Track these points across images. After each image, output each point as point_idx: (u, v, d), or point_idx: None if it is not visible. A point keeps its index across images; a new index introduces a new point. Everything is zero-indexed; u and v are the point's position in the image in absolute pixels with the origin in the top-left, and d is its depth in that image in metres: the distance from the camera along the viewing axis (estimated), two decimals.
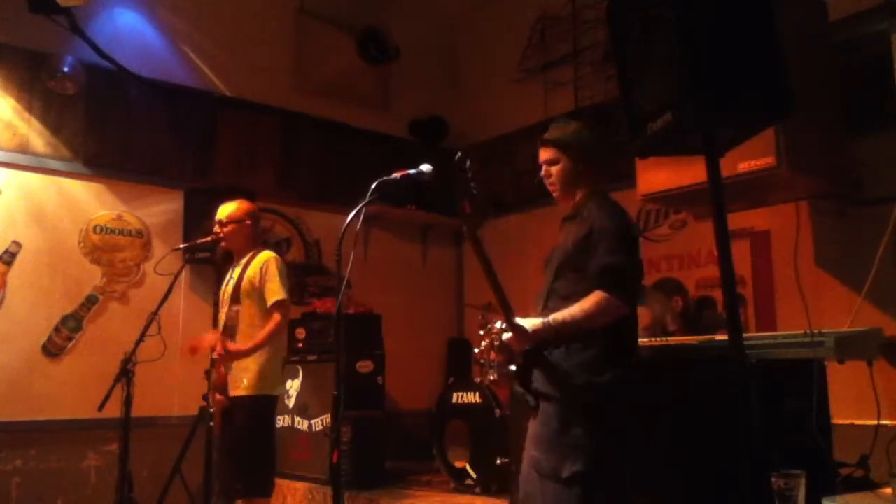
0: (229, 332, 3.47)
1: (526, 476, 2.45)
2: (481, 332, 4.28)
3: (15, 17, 4.24)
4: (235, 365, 3.43)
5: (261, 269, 3.50)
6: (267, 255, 3.56)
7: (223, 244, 3.62)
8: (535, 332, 2.38)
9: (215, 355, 3.36)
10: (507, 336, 2.43)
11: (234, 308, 3.50)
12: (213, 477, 3.57)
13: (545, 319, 2.37)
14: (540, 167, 2.64)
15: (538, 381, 2.42)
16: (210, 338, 3.50)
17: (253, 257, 3.57)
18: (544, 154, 2.62)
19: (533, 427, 2.45)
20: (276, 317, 3.44)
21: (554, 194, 2.65)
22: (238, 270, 3.55)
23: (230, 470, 3.39)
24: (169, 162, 4.99)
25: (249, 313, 3.48)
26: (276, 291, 3.47)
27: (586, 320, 2.33)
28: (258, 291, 3.48)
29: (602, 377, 2.35)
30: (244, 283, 3.49)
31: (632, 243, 2.45)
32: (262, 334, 3.40)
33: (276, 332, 3.45)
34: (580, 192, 2.61)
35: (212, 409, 3.47)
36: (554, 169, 2.60)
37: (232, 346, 3.35)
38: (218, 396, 3.39)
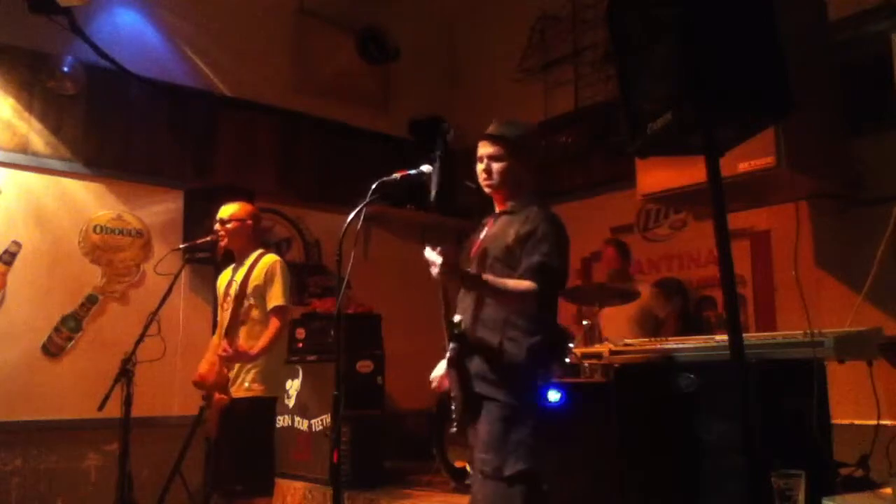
0: (234, 329, 3.48)
1: (473, 479, 2.48)
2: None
3: (15, 17, 4.23)
4: (240, 368, 3.44)
5: (266, 271, 3.51)
6: (273, 259, 3.57)
7: (223, 243, 3.62)
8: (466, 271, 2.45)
9: (221, 352, 3.37)
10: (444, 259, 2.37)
11: (246, 304, 3.50)
12: (211, 476, 3.56)
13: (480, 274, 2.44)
14: (479, 160, 2.61)
15: (479, 384, 2.44)
16: (209, 366, 3.51)
17: (258, 259, 3.57)
18: (489, 149, 2.59)
19: (479, 430, 2.45)
20: (275, 322, 3.46)
21: (487, 190, 2.63)
22: (243, 271, 3.55)
23: (231, 471, 3.39)
24: (169, 162, 4.99)
25: (253, 316, 3.49)
26: (277, 297, 3.48)
27: (509, 293, 2.41)
28: (261, 293, 3.49)
29: (544, 373, 2.44)
30: (249, 285, 3.50)
31: (568, 252, 2.52)
32: (263, 340, 3.41)
33: (277, 337, 3.46)
34: (521, 193, 2.61)
35: (207, 408, 3.48)
36: (496, 166, 2.57)
37: (241, 346, 3.36)
38: (218, 395, 3.40)
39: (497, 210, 2.67)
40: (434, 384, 2.72)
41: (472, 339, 2.47)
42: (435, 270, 2.36)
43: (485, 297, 2.48)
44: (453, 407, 2.47)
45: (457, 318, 2.51)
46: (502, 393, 2.39)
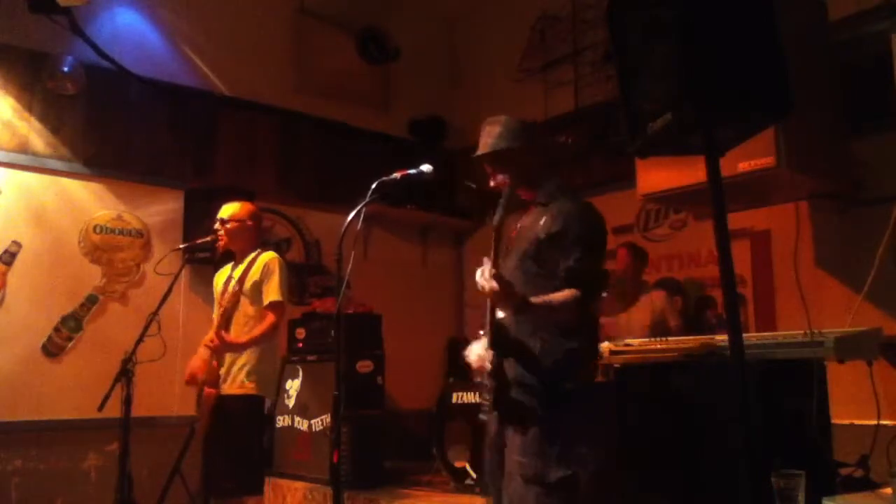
0: (228, 324, 3.48)
1: (508, 481, 2.44)
2: (481, 332, 4.19)
3: (15, 17, 4.24)
4: (232, 364, 3.44)
5: (263, 268, 3.51)
6: (271, 256, 3.58)
7: (223, 243, 3.62)
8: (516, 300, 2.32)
9: (209, 343, 3.37)
10: (493, 284, 2.25)
11: (243, 300, 3.50)
12: (203, 471, 3.54)
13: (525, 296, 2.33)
14: (490, 176, 2.60)
15: (517, 390, 2.40)
16: (200, 362, 3.51)
17: (256, 257, 3.58)
18: (486, 168, 2.57)
19: (515, 436, 2.42)
20: (270, 317, 3.45)
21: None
22: (241, 268, 3.56)
23: (222, 469, 3.39)
24: (169, 162, 4.99)
25: (246, 311, 3.49)
26: (273, 292, 3.48)
27: (556, 311, 2.35)
28: (257, 289, 3.49)
29: (576, 378, 2.39)
30: (246, 281, 3.50)
31: (602, 249, 2.49)
32: (255, 332, 3.41)
33: (269, 332, 3.45)
34: (543, 182, 2.56)
35: (198, 404, 3.49)
36: (500, 177, 2.55)
37: (227, 337, 3.36)
38: (208, 389, 3.40)
39: (527, 200, 2.60)
40: (477, 363, 2.51)
41: (512, 340, 2.43)
42: (485, 291, 2.27)
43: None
44: (487, 396, 2.40)
45: (499, 314, 2.45)
46: (540, 399, 2.36)
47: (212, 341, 3.34)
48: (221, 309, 3.55)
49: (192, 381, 3.52)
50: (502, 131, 2.54)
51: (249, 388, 3.41)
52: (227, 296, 3.55)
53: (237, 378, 3.42)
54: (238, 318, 3.48)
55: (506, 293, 2.27)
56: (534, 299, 2.33)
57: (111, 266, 4.70)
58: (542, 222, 2.45)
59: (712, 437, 2.58)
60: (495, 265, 2.27)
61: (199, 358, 3.54)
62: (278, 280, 3.49)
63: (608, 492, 2.38)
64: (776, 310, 4.19)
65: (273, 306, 3.47)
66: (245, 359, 3.44)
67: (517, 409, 2.38)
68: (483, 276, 2.27)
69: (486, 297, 2.33)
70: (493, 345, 2.40)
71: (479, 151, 2.55)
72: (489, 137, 2.55)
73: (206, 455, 3.47)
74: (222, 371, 3.44)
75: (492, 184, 2.59)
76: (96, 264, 4.65)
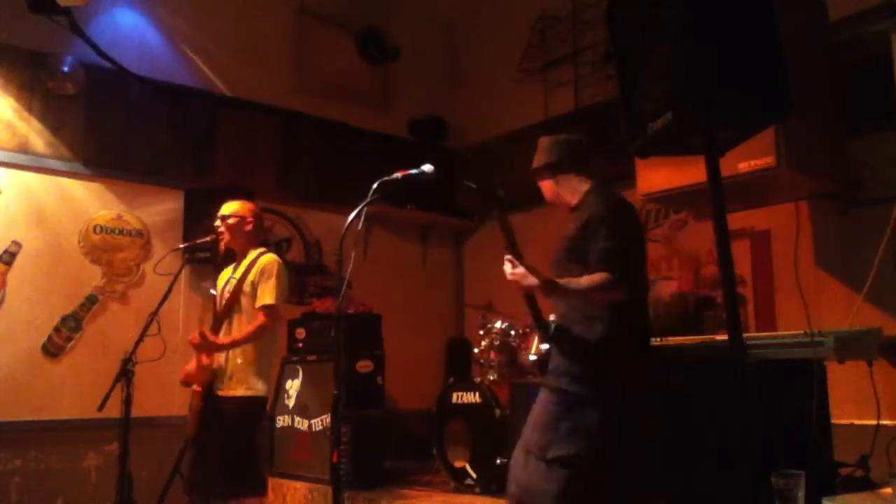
0: (221, 324, 3.49)
1: (514, 461, 2.50)
2: (481, 332, 4.37)
3: (15, 17, 4.24)
4: (231, 365, 3.44)
5: (262, 269, 3.51)
6: (271, 258, 3.58)
7: (224, 240, 3.63)
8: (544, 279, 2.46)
9: (189, 339, 3.38)
10: (519, 270, 2.45)
11: (242, 300, 3.50)
12: (198, 475, 3.53)
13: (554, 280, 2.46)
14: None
15: (547, 373, 2.53)
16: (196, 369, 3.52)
17: (257, 258, 3.57)
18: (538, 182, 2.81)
19: (533, 412, 2.52)
20: (261, 318, 3.42)
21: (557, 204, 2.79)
22: (241, 269, 3.56)
23: (222, 470, 3.39)
24: (169, 162, 4.99)
25: (247, 312, 3.49)
26: (267, 295, 3.46)
27: (587, 292, 2.41)
28: (255, 291, 3.49)
29: (610, 363, 2.43)
30: (245, 283, 3.50)
31: (629, 230, 2.54)
32: (241, 333, 3.42)
33: (256, 334, 3.42)
34: (580, 189, 2.67)
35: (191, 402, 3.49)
36: (544, 192, 2.78)
37: (210, 336, 3.36)
38: (196, 387, 3.41)
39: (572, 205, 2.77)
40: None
41: (568, 335, 2.52)
42: (519, 282, 2.42)
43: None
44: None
45: (552, 317, 2.57)
46: (563, 381, 2.45)
47: (192, 339, 3.35)
48: (220, 309, 3.55)
49: (187, 380, 3.53)
50: (541, 150, 2.76)
51: (245, 389, 3.42)
52: (225, 296, 3.56)
53: (237, 379, 3.42)
54: (240, 319, 3.49)
55: (529, 275, 2.39)
56: (560, 281, 2.43)
57: (111, 266, 4.70)
58: (572, 224, 2.58)
59: (712, 437, 2.58)
60: (514, 255, 2.42)
61: (197, 363, 3.55)
62: (275, 284, 3.48)
63: (607, 483, 2.40)
64: (776, 310, 4.19)
65: (264, 309, 3.45)
66: (245, 360, 3.44)
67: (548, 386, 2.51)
68: (507, 263, 2.42)
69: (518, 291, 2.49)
70: (550, 339, 2.54)
71: (532, 168, 2.79)
72: (538, 154, 2.78)
73: (200, 456, 3.46)
74: (220, 373, 3.44)
75: (547, 198, 2.80)
76: (96, 264, 4.65)
